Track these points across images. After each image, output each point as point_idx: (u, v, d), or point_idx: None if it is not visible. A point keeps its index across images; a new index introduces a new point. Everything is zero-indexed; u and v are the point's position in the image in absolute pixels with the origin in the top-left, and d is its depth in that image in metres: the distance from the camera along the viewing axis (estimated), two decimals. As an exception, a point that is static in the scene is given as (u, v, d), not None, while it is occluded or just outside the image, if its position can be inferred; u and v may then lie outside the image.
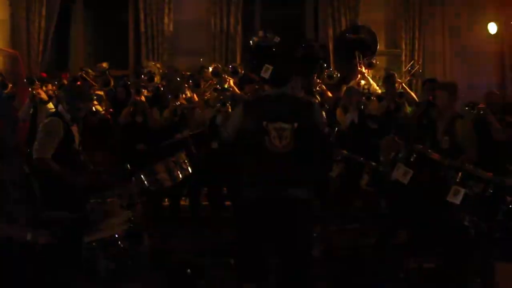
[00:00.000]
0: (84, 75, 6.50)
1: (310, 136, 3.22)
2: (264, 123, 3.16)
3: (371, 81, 6.78)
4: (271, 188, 3.13)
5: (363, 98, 6.02)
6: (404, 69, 7.76)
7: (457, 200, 3.51)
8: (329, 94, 6.55)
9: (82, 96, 4.16)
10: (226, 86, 6.15)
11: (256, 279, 3.22)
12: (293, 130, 3.15)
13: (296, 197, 3.14)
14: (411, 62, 7.52)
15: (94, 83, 6.43)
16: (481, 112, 5.51)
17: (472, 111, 5.66)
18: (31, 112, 6.06)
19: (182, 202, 5.88)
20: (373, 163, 4.63)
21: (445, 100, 4.47)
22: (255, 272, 3.24)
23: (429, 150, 3.95)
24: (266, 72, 3.44)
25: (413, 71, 6.98)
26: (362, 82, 6.66)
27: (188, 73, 6.65)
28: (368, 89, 6.54)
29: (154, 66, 6.76)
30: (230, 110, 5.40)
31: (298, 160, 3.15)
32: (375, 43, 7.67)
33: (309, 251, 3.32)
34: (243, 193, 3.24)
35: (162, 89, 6.23)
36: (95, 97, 5.81)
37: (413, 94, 6.68)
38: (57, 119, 4.01)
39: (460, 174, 3.58)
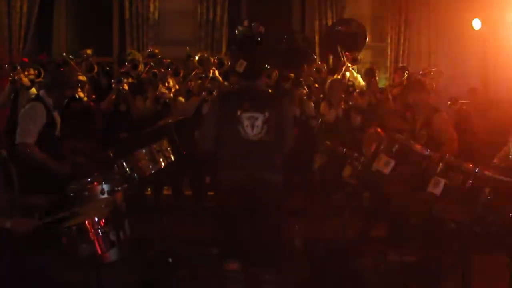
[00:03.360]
0: (67, 59, 6.38)
1: (280, 125, 3.55)
2: (238, 112, 3.49)
3: (355, 74, 6.80)
4: (245, 172, 3.46)
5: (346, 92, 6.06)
6: (389, 64, 7.84)
7: (437, 191, 3.53)
8: (316, 86, 6.55)
9: (67, 83, 4.10)
10: (210, 75, 6.11)
11: (238, 257, 3.48)
12: (264, 120, 3.49)
13: (267, 179, 3.50)
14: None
15: (77, 68, 6.32)
16: (464, 108, 5.61)
17: (453, 106, 5.75)
18: (11, 97, 5.96)
19: (164, 192, 5.84)
20: (356, 154, 4.64)
21: (417, 98, 4.53)
22: (237, 250, 3.50)
23: (411, 141, 3.97)
24: (241, 66, 3.74)
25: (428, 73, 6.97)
26: (347, 74, 6.67)
27: (168, 61, 6.59)
28: (353, 82, 6.55)
29: (138, 54, 6.67)
30: None
31: (269, 147, 3.51)
32: (364, 37, 7.70)
33: (278, 227, 3.65)
34: (220, 177, 3.62)
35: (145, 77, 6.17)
36: (79, 84, 5.71)
37: None
38: (39, 104, 3.96)
39: (440, 165, 3.61)
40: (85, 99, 5.72)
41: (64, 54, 6.52)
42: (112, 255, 3.12)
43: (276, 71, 6.33)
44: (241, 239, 3.52)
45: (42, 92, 4.10)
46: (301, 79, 6.21)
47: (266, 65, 4.72)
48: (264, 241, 3.49)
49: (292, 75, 6.35)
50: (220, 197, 3.84)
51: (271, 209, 3.53)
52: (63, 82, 4.07)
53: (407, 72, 6.82)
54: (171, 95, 5.84)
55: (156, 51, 6.89)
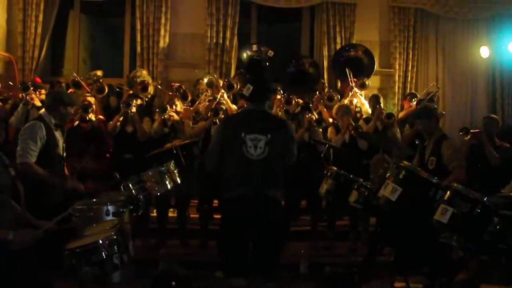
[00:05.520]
0: (78, 80, 6.44)
1: (282, 146, 3.79)
2: (242, 134, 3.71)
3: (363, 101, 6.81)
4: (247, 189, 3.68)
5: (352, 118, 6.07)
6: (396, 91, 7.87)
7: (445, 219, 3.49)
8: (326, 112, 6.56)
9: (63, 101, 4.13)
10: (218, 96, 6.15)
11: (242, 273, 3.67)
12: (267, 141, 3.71)
13: (269, 196, 3.73)
14: (429, 87, 7.46)
15: (88, 89, 6.38)
16: (477, 136, 5.57)
17: (466, 137, 5.71)
18: (24, 118, 6.01)
19: (170, 214, 5.82)
20: (362, 180, 4.63)
21: (426, 126, 4.52)
22: (241, 266, 3.71)
23: (419, 168, 3.95)
24: (248, 91, 3.90)
25: (431, 95, 6.97)
26: (355, 100, 6.67)
27: (177, 84, 6.65)
28: (360, 108, 6.56)
29: (148, 76, 6.74)
30: None
31: (270, 166, 3.73)
32: (372, 64, 7.75)
33: (280, 240, 3.98)
34: (224, 194, 3.83)
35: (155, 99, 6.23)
36: (86, 103, 5.76)
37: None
38: (38, 122, 3.98)
39: (448, 193, 3.58)
40: (94, 119, 5.75)
41: (74, 75, 6.59)
42: (115, 277, 3.10)
43: (295, 98, 6.35)
44: (245, 254, 3.76)
45: (43, 112, 4.13)
46: (311, 105, 6.22)
47: (272, 89, 4.85)
48: (268, 255, 3.75)
49: (300, 100, 6.37)
50: (224, 213, 4.06)
51: (274, 223, 3.76)
52: (58, 101, 4.09)
53: (415, 99, 6.82)
54: (179, 118, 5.86)
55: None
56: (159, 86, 6.80)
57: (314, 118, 5.83)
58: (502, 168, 5.57)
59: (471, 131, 5.75)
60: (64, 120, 4.18)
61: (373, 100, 6.40)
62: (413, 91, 7.56)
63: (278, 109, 6.22)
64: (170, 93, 6.39)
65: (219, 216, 5.63)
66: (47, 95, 4.61)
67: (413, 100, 6.80)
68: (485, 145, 5.51)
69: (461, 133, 5.76)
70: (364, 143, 5.73)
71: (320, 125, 5.84)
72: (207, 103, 5.99)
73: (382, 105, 6.31)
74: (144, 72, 6.99)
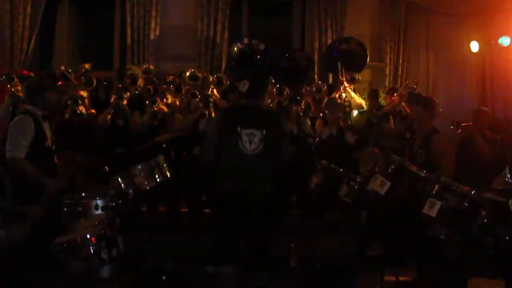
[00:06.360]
0: (66, 73, 6.38)
1: (276, 141, 3.90)
2: (238, 128, 3.81)
3: (352, 94, 6.81)
4: (242, 183, 3.77)
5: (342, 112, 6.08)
6: (387, 84, 7.87)
7: (433, 213, 3.52)
8: (313, 104, 6.56)
9: (40, 87, 4.08)
10: (209, 93, 6.12)
11: (232, 262, 3.77)
12: (262, 137, 3.81)
13: (263, 190, 3.83)
14: (407, 82, 7.51)
15: (75, 82, 6.32)
16: (468, 130, 5.58)
17: (457, 130, 5.72)
18: (10, 110, 5.95)
19: (160, 208, 5.81)
20: (352, 174, 4.63)
21: (421, 114, 4.52)
22: (231, 255, 3.82)
23: (407, 162, 3.97)
24: (244, 86, 3.98)
25: (411, 89, 6.98)
26: (344, 95, 6.67)
27: (171, 77, 6.61)
28: (349, 102, 6.57)
29: (138, 69, 6.68)
30: (212, 114, 5.44)
31: (263, 162, 3.82)
32: (364, 56, 7.74)
33: (270, 236, 4.03)
34: (218, 186, 3.90)
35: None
36: (78, 96, 5.69)
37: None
38: (27, 116, 3.95)
39: (436, 186, 3.60)
40: (85, 113, 5.70)
41: (62, 67, 6.52)
42: (104, 272, 3.09)
43: (287, 89, 6.35)
44: (237, 246, 3.89)
45: (30, 106, 4.08)
46: (299, 97, 6.21)
47: (267, 85, 4.87)
48: (260, 247, 3.88)
49: (288, 92, 6.35)
50: (217, 205, 4.10)
51: (266, 216, 3.87)
52: (33, 89, 4.07)
53: (396, 94, 6.74)
54: (169, 111, 5.83)
55: (151, 67, 6.92)
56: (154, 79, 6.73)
57: (302, 109, 5.83)
58: (493, 162, 5.60)
59: (462, 124, 5.75)
60: (48, 108, 4.09)
61: (371, 95, 6.40)
62: (394, 86, 7.54)
63: (270, 100, 6.20)
64: (164, 86, 6.34)
65: (209, 210, 5.66)
66: (23, 88, 4.56)
67: (394, 94, 6.78)
68: (475, 138, 5.53)
69: (452, 126, 5.76)
70: (351, 137, 5.73)
71: (306, 115, 5.82)
72: (196, 99, 5.95)
73: (380, 99, 6.31)
74: (134, 66, 6.92)
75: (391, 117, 6.43)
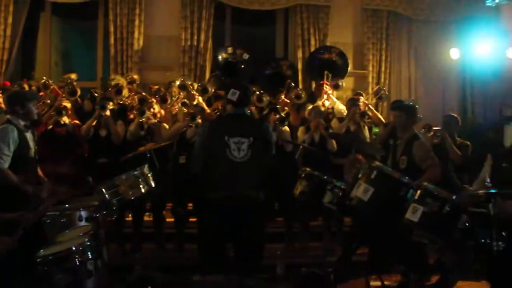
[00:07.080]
0: (47, 83, 6.34)
1: (262, 148, 4.00)
2: (226, 138, 3.89)
3: (336, 102, 6.87)
4: (231, 190, 3.87)
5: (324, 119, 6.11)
6: (370, 91, 7.95)
7: (416, 218, 3.57)
8: (294, 114, 6.56)
9: (19, 98, 4.06)
10: (194, 103, 6.13)
11: (221, 270, 3.84)
12: (249, 144, 3.90)
13: (250, 196, 3.91)
14: (377, 86, 7.67)
15: (60, 92, 6.28)
16: (438, 135, 5.69)
17: (428, 133, 5.83)
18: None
19: (146, 218, 5.78)
20: (335, 181, 4.68)
21: (403, 121, 4.58)
22: (219, 263, 3.91)
23: (389, 168, 4.02)
24: (233, 95, 3.99)
25: (380, 94, 7.10)
26: (327, 102, 6.72)
27: (156, 87, 6.61)
28: (332, 109, 6.62)
29: (122, 79, 6.67)
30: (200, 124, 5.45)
31: (252, 168, 3.91)
32: (346, 66, 7.84)
33: (260, 241, 4.15)
34: (207, 195, 3.96)
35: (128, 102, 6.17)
36: (61, 107, 5.65)
37: (379, 115, 6.82)
38: (10, 126, 3.92)
39: (418, 192, 3.66)
40: (69, 124, 5.65)
41: (44, 78, 6.48)
42: (89, 284, 3.06)
43: (267, 96, 6.40)
44: (224, 254, 4.01)
45: (10, 116, 4.05)
46: (278, 106, 6.24)
47: (252, 93, 4.96)
48: (249, 252, 3.98)
49: (267, 99, 6.39)
50: (207, 212, 4.15)
51: (255, 223, 3.99)
52: (13, 99, 4.04)
53: (358, 102, 6.68)
54: (156, 121, 5.82)
55: (135, 77, 6.91)
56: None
57: (278, 117, 5.86)
58: (464, 165, 5.73)
59: (433, 128, 5.88)
60: (29, 118, 4.06)
61: (350, 102, 6.44)
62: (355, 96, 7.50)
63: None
64: (149, 96, 6.34)
65: (195, 220, 5.65)
66: (4, 99, 4.53)
67: (356, 103, 6.73)
68: (447, 143, 5.63)
69: (423, 129, 5.88)
70: (333, 145, 5.77)
71: (282, 124, 5.84)
72: (183, 108, 5.94)
73: (360, 106, 6.33)
74: (119, 76, 6.90)
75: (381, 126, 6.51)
